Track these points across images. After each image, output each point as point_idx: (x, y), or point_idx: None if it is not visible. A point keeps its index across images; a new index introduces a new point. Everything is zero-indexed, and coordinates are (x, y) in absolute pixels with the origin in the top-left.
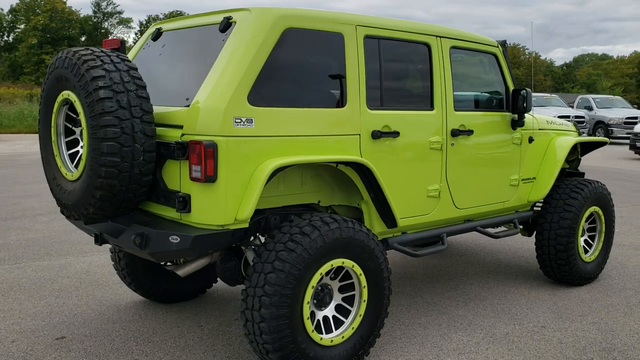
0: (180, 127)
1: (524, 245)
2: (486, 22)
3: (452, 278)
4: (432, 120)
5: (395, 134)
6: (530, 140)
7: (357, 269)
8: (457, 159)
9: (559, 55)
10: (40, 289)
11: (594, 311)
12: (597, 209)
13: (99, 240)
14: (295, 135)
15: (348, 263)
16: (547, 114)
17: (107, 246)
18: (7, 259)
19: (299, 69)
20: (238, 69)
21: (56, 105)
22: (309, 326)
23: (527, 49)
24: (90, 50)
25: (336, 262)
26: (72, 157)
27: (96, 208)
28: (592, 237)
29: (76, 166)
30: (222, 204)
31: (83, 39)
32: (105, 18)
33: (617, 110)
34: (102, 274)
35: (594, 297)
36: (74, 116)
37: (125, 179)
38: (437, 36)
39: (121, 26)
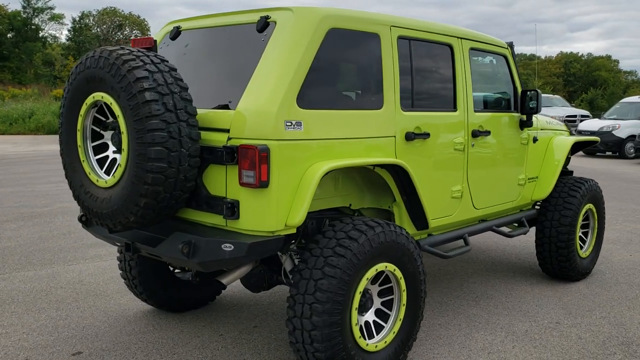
0: (226, 130)
1: (511, 242)
2: None
3: (453, 277)
4: (456, 121)
5: (426, 135)
6: (535, 140)
7: (398, 273)
8: (476, 159)
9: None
10: (36, 302)
11: (599, 306)
12: (591, 206)
13: (132, 249)
14: (339, 138)
15: (390, 267)
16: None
17: (92, 253)
18: None
19: (341, 70)
20: (286, 71)
21: (84, 107)
22: (357, 332)
23: None
24: (128, 49)
25: (380, 267)
26: (100, 162)
27: (138, 216)
28: (585, 234)
29: (107, 172)
30: (274, 210)
31: (10, 35)
32: (35, 14)
33: (557, 109)
34: (97, 283)
35: (593, 291)
36: (103, 119)
37: (170, 186)
38: (458, 37)
39: (53, 22)
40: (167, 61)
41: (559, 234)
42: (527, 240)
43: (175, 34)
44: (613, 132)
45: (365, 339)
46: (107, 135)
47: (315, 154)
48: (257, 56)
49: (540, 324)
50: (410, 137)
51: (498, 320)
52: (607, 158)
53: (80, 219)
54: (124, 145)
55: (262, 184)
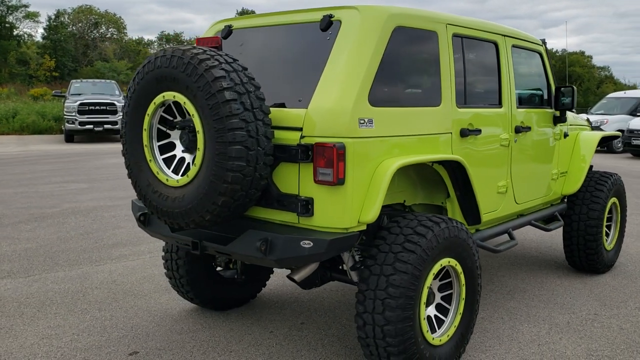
0: (299, 129)
1: (527, 236)
2: None
3: (482, 271)
4: (502, 117)
5: (478, 131)
6: (565, 135)
7: (458, 268)
8: (518, 155)
9: None
10: (76, 302)
11: (630, 297)
12: (615, 199)
13: (199, 248)
14: (404, 135)
15: (452, 262)
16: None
17: (117, 254)
18: (15, 272)
19: (405, 68)
20: (358, 70)
21: (151, 106)
22: (425, 327)
23: None
24: (201, 49)
25: (444, 262)
26: (167, 161)
27: (214, 215)
28: (608, 227)
29: (174, 171)
30: (349, 207)
31: None
32: (9, 11)
33: None
34: (131, 283)
35: (620, 283)
36: (170, 118)
37: (247, 184)
38: (502, 35)
39: (28, 20)
40: (238, 60)
41: (587, 227)
42: (543, 234)
43: (228, 32)
44: (601, 127)
45: (431, 333)
46: (174, 134)
47: (385, 150)
48: (323, 55)
49: (579, 316)
50: (465, 133)
51: (538, 313)
52: (595, 153)
53: (138, 219)
54: (199, 145)
55: (340, 181)
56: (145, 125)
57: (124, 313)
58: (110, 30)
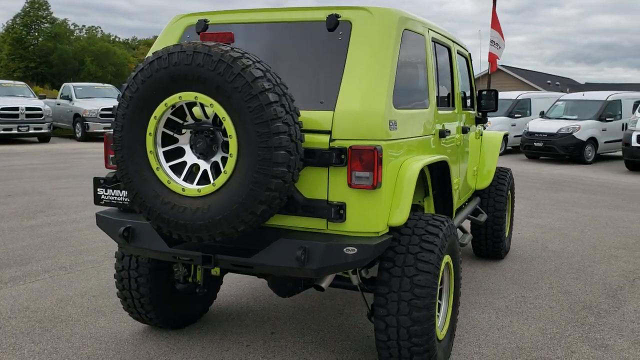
0: (326, 132)
1: None
2: None
3: None
4: (456, 119)
5: (448, 132)
6: (481, 134)
7: (451, 263)
8: (462, 154)
9: None
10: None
11: (539, 278)
12: (509, 192)
13: (212, 262)
14: (413, 136)
15: (447, 259)
16: None
17: (4, 277)
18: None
19: (410, 71)
20: (383, 71)
21: (160, 109)
22: (437, 323)
23: None
24: (227, 45)
25: (447, 259)
26: (174, 169)
27: (248, 225)
28: None
29: (186, 179)
30: (383, 210)
31: None
32: None
33: None
34: (50, 309)
35: (522, 267)
36: (180, 122)
37: (285, 191)
38: (453, 40)
39: None
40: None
41: (495, 217)
42: None
43: (204, 28)
44: (574, 134)
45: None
46: (183, 139)
47: (403, 152)
48: (335, 55)
49: (512, 299)
50: (443, 134)
51: (477, 300)
52: (553, 162)
53: (122, 235)
54: (232, 150)
55: (378, 184)
56: (151, 129)
57: (67, 343)
58: None
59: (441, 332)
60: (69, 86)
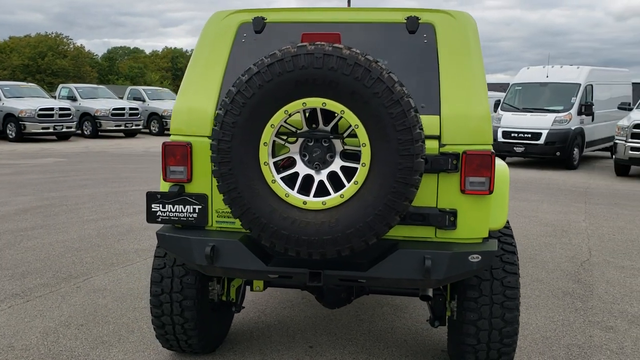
0: (435, 137)
1: None
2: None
3: None
4: None
5: None
6: None
7: None
8: None
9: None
10: None
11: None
12: None
13: (320, 279)
14: None
15: None
16: (99, 105)
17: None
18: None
19: None
20: (478, 74)
21: (279, 116)
22: None
23: (71, 39)
24: (352, 47)
25: None
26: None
27: (379, 237)
28: None
29: (301, 190)
30: (490, 216)
31: None
32: None
33: (169, 102)
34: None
35: None
36: (294, 129)
37: (413, 201)
38: None
39: None
40: None
41: None
42: None
43: (262, 26)
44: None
45: None
46: (293, 148)
47: None
48: (421, 58)
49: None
50: None
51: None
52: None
53: (208, 256)
54: (365, 159)
55: (492, 189)
56: (266, 139)
57: None
58: None
59: None
60: None
